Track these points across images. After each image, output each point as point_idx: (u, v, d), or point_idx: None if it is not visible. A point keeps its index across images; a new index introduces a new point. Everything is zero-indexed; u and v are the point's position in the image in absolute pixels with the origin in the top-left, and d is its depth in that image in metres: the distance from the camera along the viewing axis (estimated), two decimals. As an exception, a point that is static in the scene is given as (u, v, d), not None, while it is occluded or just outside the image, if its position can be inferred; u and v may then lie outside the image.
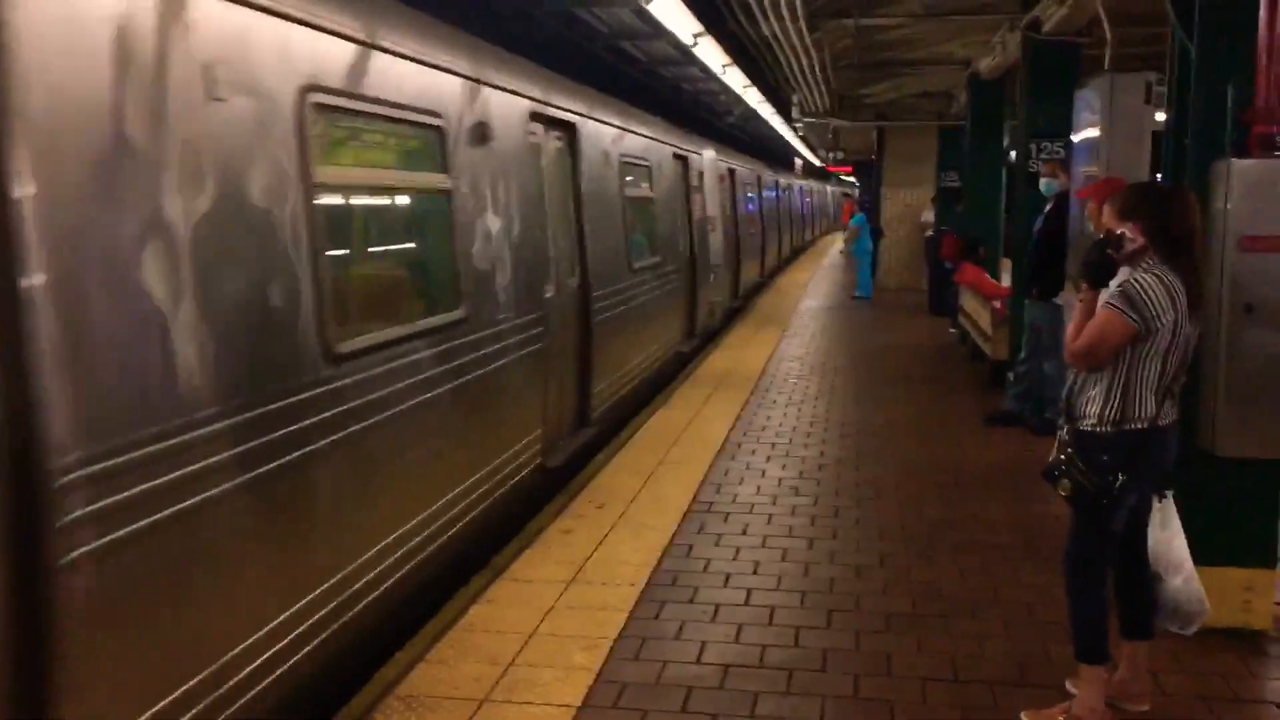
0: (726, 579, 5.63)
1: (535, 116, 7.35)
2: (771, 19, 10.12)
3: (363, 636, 4.68)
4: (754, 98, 18.37)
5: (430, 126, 5.58)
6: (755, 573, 5.72)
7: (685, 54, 14.03)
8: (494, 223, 6.41)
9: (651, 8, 9.32)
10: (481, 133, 6.14)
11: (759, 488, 7.34)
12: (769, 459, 8.11)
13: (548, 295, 7.40)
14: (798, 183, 37.00)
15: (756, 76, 16.14)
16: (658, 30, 12.00)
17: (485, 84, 6.35)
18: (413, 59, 5.32)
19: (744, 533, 6.38)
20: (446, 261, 5.87)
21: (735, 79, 15.25)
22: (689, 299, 13.22)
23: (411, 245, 6.04)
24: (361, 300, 5.12)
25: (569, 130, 8.29)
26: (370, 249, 5.58)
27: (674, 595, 5.41)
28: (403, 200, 5.79)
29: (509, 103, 6.84)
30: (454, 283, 5.85)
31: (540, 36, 12.10)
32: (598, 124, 9.04)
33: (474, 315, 5.94)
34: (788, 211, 30.87)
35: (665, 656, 4.72)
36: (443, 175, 5.69)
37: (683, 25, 10.55)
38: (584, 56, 13.71)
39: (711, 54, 12.57)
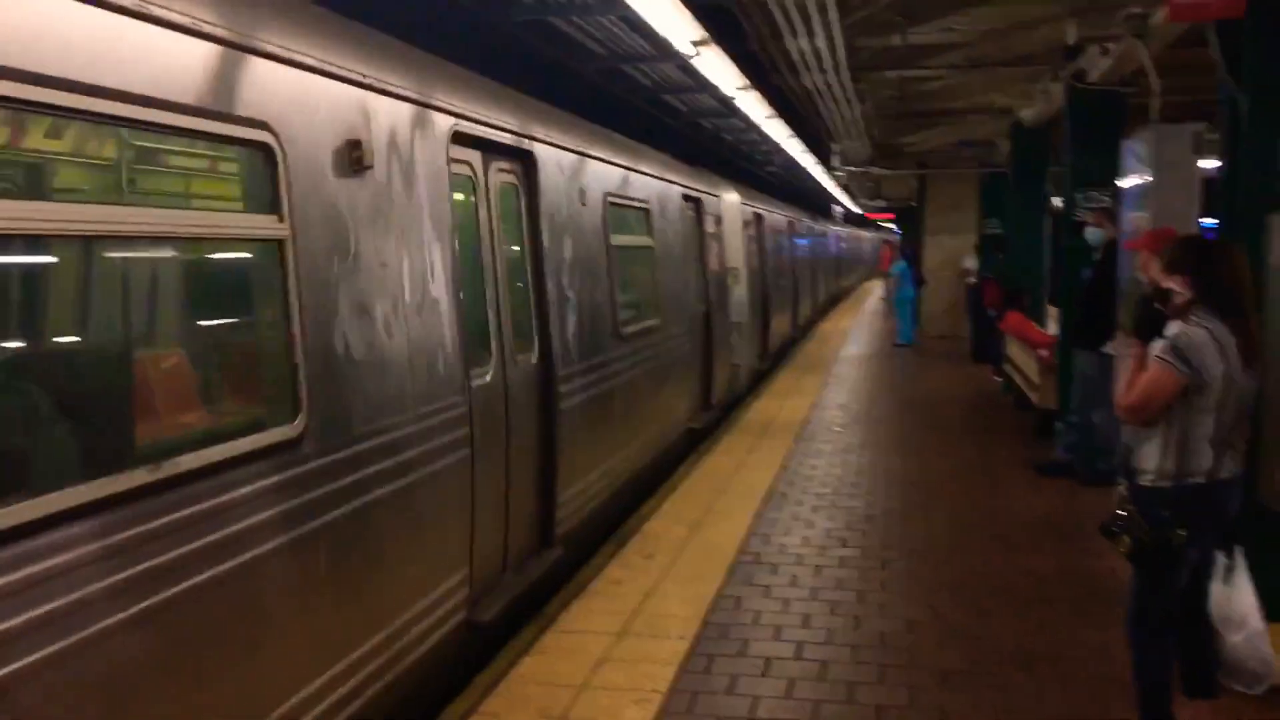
0: (777, 632, 5.61)
1: (463, 139, 5.48)
2: (814, 72, 10.22)
3: None
4: (796, 148, 18.45)
5: (249, 144, 3.71)
6: (805, 626, 5.69)
7: (728, 106, 14.15)
8: (378, 286, 4.47)
9: (696, 62, 9.45)
10: (355, 158, 4.30)
11: (806, 538, 7.31)
12: (815, 509, 8.08)
13: (482, 381, 5.48)
14: (834, 229, 35.90)
15: (798, 127, 16.23)
16: (702, 84, 12.13)
17: (366, 87, 4.46)
18: (206, 35, 3.46)
19: (793, 584, 6.35)
20: (272, 349, 3.89)
21: (777, 130, 15.35)
22: (703, 366, 11.18)
23: (188, 329, 3.90)
24: (40, 438, 3.02)
25: (524, 161, 6.40)
26: (74, 340, 3.52)
27: (724, 648, 5.39)
28: (175, 255, 3.68)
29: (414, 117, 4.92)
30: (286, 381, 3.82)
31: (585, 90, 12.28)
32: (570, 155, 7.09)
33: (325, 429, 3.94)
34: (824, 259, 28.87)
35: (718, 711, 4.70)
36: (271, 218, 3.78)
37: (726, 79, 10.67)
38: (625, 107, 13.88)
39: (754, 106, 12.68)
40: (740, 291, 12.93)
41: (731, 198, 13.13)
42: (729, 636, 5.53)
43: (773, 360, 17.00)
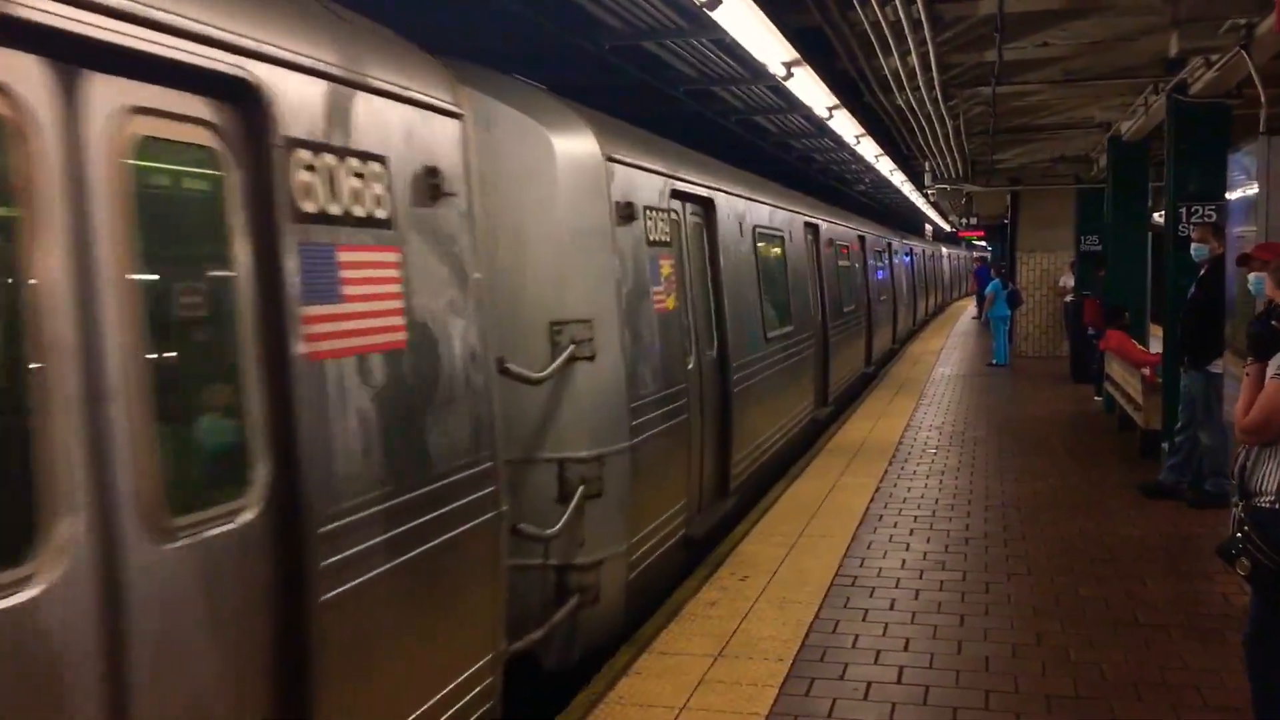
0: (876, 655, 5.54)
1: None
2: (907, 90, 10.15)
3: None
4: (886, 166, 18.32)
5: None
6: (906, 650, 5.62)
7: (819, 126, 14.10)
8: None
9: (790, 84, 9.44)
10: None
11: (904, 561, 7.22)
12: (912, 532, 7.97)
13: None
14: (910, 244, 28.66)
15: (889, 145, 16.10)
16: (793, 105, 12.11)
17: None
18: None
19: (891, 608, 6.28)
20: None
21: (868, 149, 15.25)
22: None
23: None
24: None
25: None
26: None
27: (823, 671, 5.34)
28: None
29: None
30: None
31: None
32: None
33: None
34: (888, 286, 21.48)
35: (818, 735, 4.66)
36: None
37: (818, 99, 10.65)
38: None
39: (845, 126, 12.61)
40: (603, 372, 5.82)
41: (569, 147, 5.82)
42: (828, 660, 5.49)
43: (747, 498, 8.94)
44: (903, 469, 10.27)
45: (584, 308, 5.72)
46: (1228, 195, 8.32)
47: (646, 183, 6.76)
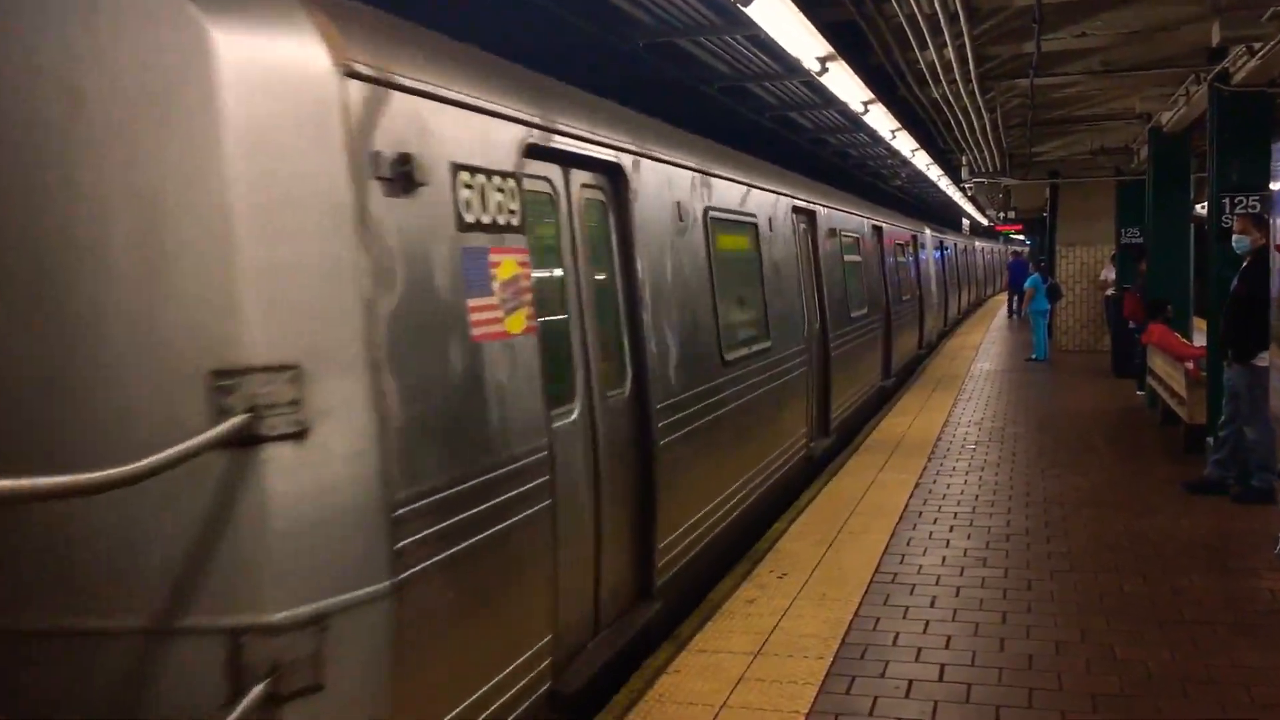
0: (918, 653, 5.50)
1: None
2: (944, 83, 10.07)
3: None
4: (922, 160, 18.20)
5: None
6: (947, 647, 5.57)
7: (854, 121, 14.03)
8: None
9: (824, 79, 9.40)
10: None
11: (944, 558, 7.17)
12: (952, 528, 7.91)
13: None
14: (943, 238, 25.32)
15: (925, 139, 16.00)
16: (828, 100, 12.06)
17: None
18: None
19: (932, 605, 6.23)
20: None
21: (904, 143, 15.16)
22: None
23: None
24: None
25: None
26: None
27: (864, 669, 5.31)
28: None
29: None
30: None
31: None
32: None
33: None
34: (913, 284, 18.82)
35: (860, 733, 4.64)
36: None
37: (853, 94, 10.59)
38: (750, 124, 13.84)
39: (881, 120, 12.54)
40: (325, 458, 3.23)
41: (250, 43, 3.19)
42: (868, 657, 5.46)
43: (689, 594, 6.47)
44: (942, 465, 10.20)
45: (285, 344, 3.18)
46: (1272, 185, 8.21)
47: (464, 126, 4.09)
